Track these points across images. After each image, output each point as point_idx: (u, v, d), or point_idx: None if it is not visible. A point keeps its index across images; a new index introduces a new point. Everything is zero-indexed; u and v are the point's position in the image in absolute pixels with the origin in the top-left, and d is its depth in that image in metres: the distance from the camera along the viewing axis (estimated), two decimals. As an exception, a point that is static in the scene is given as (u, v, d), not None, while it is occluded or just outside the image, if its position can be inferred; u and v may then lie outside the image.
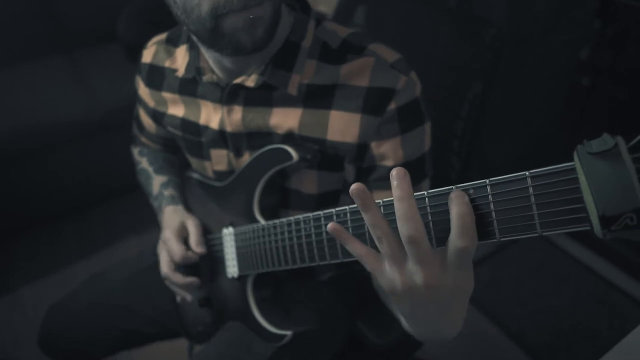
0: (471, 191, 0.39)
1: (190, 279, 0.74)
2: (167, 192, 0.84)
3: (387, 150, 0.64)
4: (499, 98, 0.84)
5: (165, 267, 0.75)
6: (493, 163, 1.00)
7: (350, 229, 0.49)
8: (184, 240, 0.75)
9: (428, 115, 0.66)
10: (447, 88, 0.66)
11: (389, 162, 0.65)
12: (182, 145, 0.80)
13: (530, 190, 0.36)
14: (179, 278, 0.74)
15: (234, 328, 0.77)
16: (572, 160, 0.34)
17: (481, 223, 0.39)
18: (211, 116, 0.70)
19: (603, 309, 1.46)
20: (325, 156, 0.66)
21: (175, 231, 0.75)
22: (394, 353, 0.85)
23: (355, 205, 0.48)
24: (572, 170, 0.34)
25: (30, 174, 1.67)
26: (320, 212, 0.53)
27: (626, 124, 1.53)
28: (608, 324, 1.42)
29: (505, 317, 1.47)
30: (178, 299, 0.82)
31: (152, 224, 0.80)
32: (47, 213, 1.80)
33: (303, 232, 0.57)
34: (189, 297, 0.77)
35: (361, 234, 0.48)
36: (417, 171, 0.67)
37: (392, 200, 0.42)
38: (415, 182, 0.67)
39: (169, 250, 0.74)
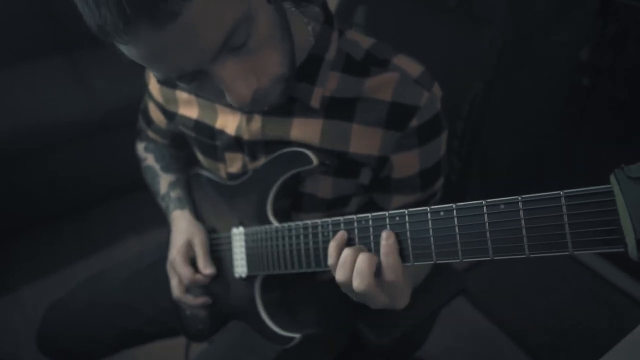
0: (502, 207, 0.40)
1: (202, 299, 0.75)
2: (174, 194, 0.83)
3: (404, 161, 0.65)
4: (499, 98, 0.84)
5: (176, 290, 0.75)
6: (493, 163, 1.00)
7: (372, 236, 0.51)
8: (192, 260, 0.75)
9: (446, 123, 0.66)
10: (447, 88, 0.66)
11: (406, 172, 0.66)
12: (194, 145, 0.78)
13: (564, 209, 0.36)
14: (190, 300, 0.75)
15: (236, 329, 0.77)
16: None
17: (510, 238, 0.40)
18: (228, 122, 0.69)
19: (603, 309, 1.46)
20: (343, 164, 0.65)
21: (181, 253, 0.74)
22: (394, 353, 0.85)
23: (377, 213, 0.51)
24: (609, 192, 0.34)
25: (30, 174, 1.67)
26: (340, 218, 0.54)
27: (626, 124, 1.53)
28: (608, 324, 1.42)
29: (505, 317, 1.47)
30: (188, 312, 0.82)
31: (152, 224, 0.81)
32: (47, 213, 1.80)
33: (320, 237, 0.57)
34: (202, 313, 0.78)
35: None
36: (431, 175, 0.68)
37: (416, 210, 0.47)
38: (429, 184, 0.69)
39: (177, 273, 0.74)
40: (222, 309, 0.77)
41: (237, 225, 0.72)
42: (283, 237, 0.61)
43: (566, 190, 0.36)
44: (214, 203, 0.78)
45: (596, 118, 1.56)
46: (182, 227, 0.77)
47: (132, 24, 0.41)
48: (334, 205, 0.70)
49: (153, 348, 0.94)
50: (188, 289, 0.75)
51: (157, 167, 0.88)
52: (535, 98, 1.02)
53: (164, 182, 0.86)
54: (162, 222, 0.87)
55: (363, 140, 0.63)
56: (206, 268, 0.72)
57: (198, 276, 0.72)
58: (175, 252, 0.74)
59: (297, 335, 0.66)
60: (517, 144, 1.11)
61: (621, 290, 1.50)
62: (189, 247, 0.75)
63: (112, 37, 0.43)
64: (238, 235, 0.71)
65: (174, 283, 0.75)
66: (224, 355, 0.75)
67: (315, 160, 0.62)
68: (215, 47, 0.46)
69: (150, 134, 0.91)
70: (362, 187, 0.69)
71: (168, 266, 0.77)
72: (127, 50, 0.46)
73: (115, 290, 0.88)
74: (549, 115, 1.15)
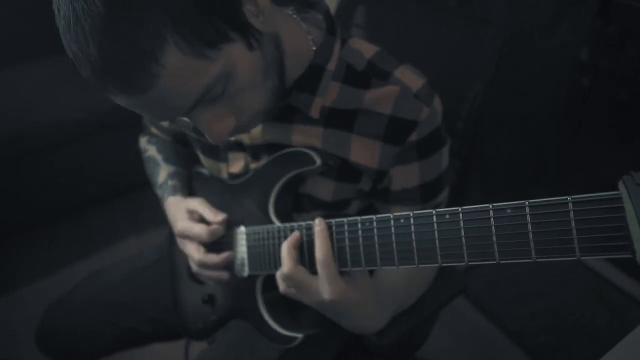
0: (509, 211, 0.40)
1: (226, 254, 0.70)
2: (172, 182, 0.83)
3: (403, 174, 0.65)
4: (499, 98, 0.84)
5: (196, 254, 0.71)
6: (493, 163, 1.00)
7: (376, 237, 0.51)
8: (200, 220, 0.73)
9: (447, 138, 0.67)
10: (447, 88, 0.66)
11: (405, 184, 0.66)
12: (196, 146, 0.78)
13: (572, 214, 0.37)
14: (214, 258, 0.70)
15: (235, 328, 0.77)
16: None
17: (517, 243, 0.40)
18: None
19: (603, 309, 1.46)
20: (345, 168, 0.66)
21: (187, 218, 0.73)
22: (394, 353, 0.85)
23: (381, 215, 0.51)
24: (618, 199, 0.35)
25: (30, 174, 1.67)
26: (344, 219, 0.54)
27: (626, 124, 1.53)
28: (608, 324, 1.42)
29: (505, 317, 1.47)
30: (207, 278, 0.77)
31: (152, 224, 0.80)
32: (47, 213, 1.80)
33: None
34: (226, 275, 0.72)
35: (388, 243, 0.50)
36: (433, 189, 0.68)
37: (421, 212, 0.47)
38: (430, 197, 0.69)
39: (193, 236, 0.71)
40: (223, 307, 0.77)
41: (239, 225, 0.72)
42: (285, 237, 0.61)
43: (574, 196, 0.37)
44: (216, 202, 0.78)
45: (596, 118, 1.56)
46: (178, 206, 0.77)
47: (106, 88, 0.44)
48: (334, 208, 0.70)
49: (153, 347, 0.94)
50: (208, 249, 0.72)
51: (159, 157, 0.88)
52: (535, 98, 1.02)
53: (163, 172, 0.86)
54: (162, 222, 0.87)
55: (362, 152, 0.63)
56: (217, 216, 0.70)
57: (214, 227, 0.70)
58: (180, 223, 0.73)
59: (299, 335, 0.66)
60: (516, 144, 1.11)
61: (621, 290, 1.50)
62: (191, 211, 0.74)
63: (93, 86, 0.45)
64: (240, 235, 0.71)
65: (192, 249, 0.72)
66: (224, 355, 0.75)
67: (318, 160, 0.61)
68: (189, 106, 0.48)
69: (154, 130, 0.91)
70: (362, 192, 0.70)
71: (178, 240, 0.75)
72: None
73: (114, 289, 0.88)
74: (549, 115, 1.15)
